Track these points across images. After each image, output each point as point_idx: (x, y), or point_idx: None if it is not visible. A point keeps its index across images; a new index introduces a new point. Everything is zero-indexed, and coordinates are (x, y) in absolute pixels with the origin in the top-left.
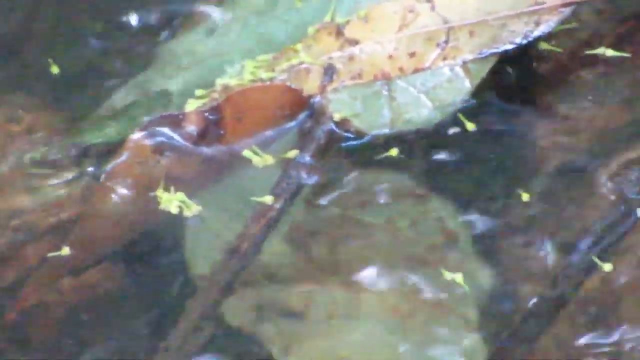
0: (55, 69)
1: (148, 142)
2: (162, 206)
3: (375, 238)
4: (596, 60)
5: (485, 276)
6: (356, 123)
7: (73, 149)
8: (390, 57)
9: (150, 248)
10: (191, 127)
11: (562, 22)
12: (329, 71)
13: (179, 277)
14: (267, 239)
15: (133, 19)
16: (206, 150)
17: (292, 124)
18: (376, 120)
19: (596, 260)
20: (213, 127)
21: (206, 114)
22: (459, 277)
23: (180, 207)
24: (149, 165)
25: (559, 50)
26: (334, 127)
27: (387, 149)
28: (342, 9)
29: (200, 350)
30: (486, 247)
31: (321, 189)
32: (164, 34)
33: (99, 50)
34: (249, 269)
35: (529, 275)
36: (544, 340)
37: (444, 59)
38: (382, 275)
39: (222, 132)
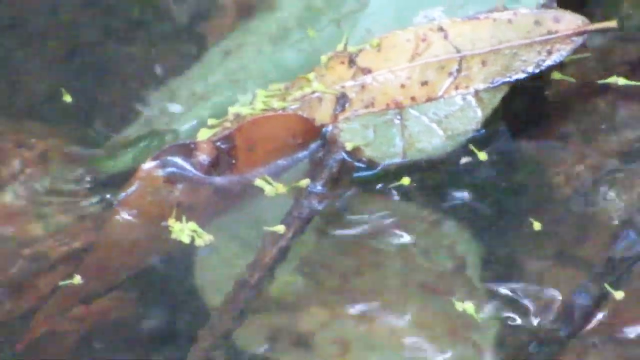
0: (67, 98)
1: (160, 171)
2: (174, 236)
3: (388, 267)
4: (608, 88)
5: (497, 304)
6: (368, 152)
7: (86, 178)
8: (403, 86)
9: (162, 276)
10: (203, 157)
11: (574, 52)
12: (342, 100)
13: (191, 305)
14: (278, 268)
15: (146, 47)
16: (218, 179)
17: (304, 153)
18: (388, 150)
19: (608, 288)
20: (225, 156)
21: (218, 143)
22: (469, 307)
23: (192, 236)
24: (160, 194)
25: (571, 79)
26: (345, 156)
27: (398, 178)
28: (354, 37)
29: None
30: (498, 275)
31: (333, 218)
32: (178, 62)
33: (113, 79)
34: (261, 298)
35: (541, 303)
36: None
37: (456, 88)
38: (394, 305)
39: (233, 161)
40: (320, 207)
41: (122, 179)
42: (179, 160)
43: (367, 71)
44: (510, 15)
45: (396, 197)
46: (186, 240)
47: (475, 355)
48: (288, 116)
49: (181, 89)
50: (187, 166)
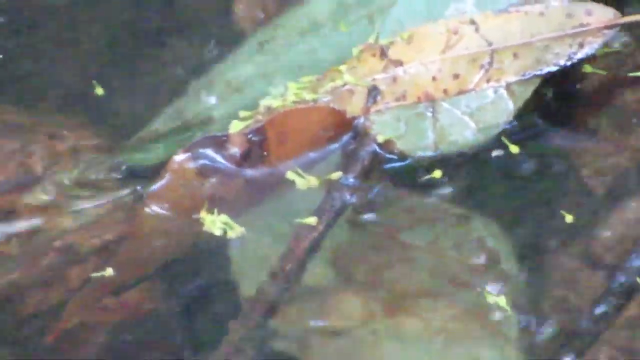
0: (99, 90)
1: (191, 163)
2: (206, 228)
3: (419, 259)
4: (639, 82)
5: (528, 298)
6: (400, 145)
7: (117, 170)
8: (434, 78)
9: (193, 269)
10: (234, 149)
11: (606, 45)
12: (373, 92)
13: (222, 297)
14: (310, 261)
15: (179, 40)
16: (249, 171)
17: (336, 145)
18: (420, 142)
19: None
20: (256, 148)
21: (249, 136)
22: (502, 301)
23: (224, 229)
24: (192, 186)
25: (602, 72)
26: (377, 148)
27: (430, 171)
28: (385, 30)
29: None
30: (529, 268)
31: (365, 210)
32: (210, 54)
33: (144, 72)
34: (293, 290)
35: (572, 296)
36: None
37: (488, 80)
38: (425, 297)
39: (265, 153)
40: (352, 200)
41: (154, 171)
42: (210, 152)
43: (398, 63)
44: (541, 8)
45: (428, 190)
46: (218, 232)
47: (505, 348)
48: (319, 108)
49: (214, 81)
50: (219, 158)
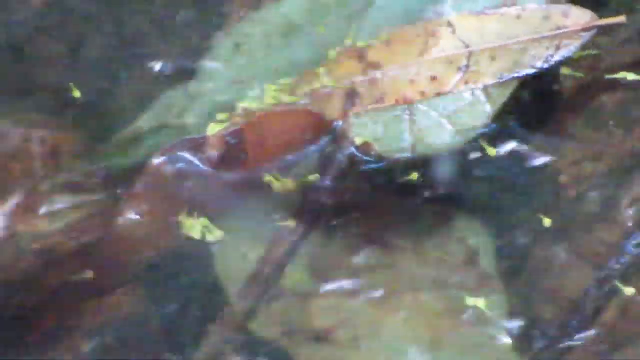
0: (77, 93)
1: (169, 166)
2: (185, 231)
3: (399, 260)
4: (617, 84)
5: (508, 298)
6: (377, 147)
7: (95, 172)
8: (412, 81)
9: (172, 271)
10: (212, 152)
11: (583, 47)
12: (351, 95)
13: (202, 299)
14: (289, 263)
15: (157, 41)
16: (227, 174)
17: (314, 148)
18: (397, 145)
19: (619, 285)
20: (234, 151)
21: (227, 138)
22: (480, 302)
23: (202, 232)
24: (170, 189)
25: (579, 74)
26: (355, 151)
27: (407, 173)
28: (362, 32)
29: None
30: (507, 269)
31: (342, 212)
32: (188, 54)
33: (123, 73)
34: (272, 292)
35: (550, 298)
36: None
37: (465, 83)
38: (405, 298)
39: (243, 156)
40: (329, 202)
41: (132, 174)
42: (188, 155)
43: (376, 66)
44: (518, 10)
45: (405, 192)
46: (197, 235)
47: (486, 349)
48: (297, 111)
49: (190, 83)
50: (197, 161)
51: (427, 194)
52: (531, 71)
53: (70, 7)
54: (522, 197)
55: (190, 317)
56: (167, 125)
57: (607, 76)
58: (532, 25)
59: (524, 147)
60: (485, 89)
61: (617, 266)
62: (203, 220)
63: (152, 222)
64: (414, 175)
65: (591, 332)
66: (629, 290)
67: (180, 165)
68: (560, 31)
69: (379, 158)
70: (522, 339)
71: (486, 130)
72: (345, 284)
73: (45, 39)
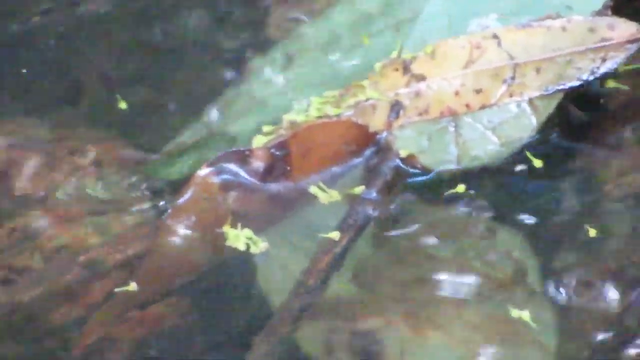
0: (123, 105)
1: (215, 178)
2: (229, 243)
3: (443, 272)
4: None
5: (554, 312)
6: (422, 159)
7: (141, 185)
8: (457, 93)
9: (217, 283)
10: (258, 163)
11: (628, 59)
12: (396, 107)
13: (246, 312)
14: (333, 275)
15: (203, 55)
16: (272, 186)
17: (359, 160)
18: (442, 157)
19: None
20: (280, 163)
21: (273, 150)
22: (525, 315)
23: (247, 243)
24: (215, 201)
25: (625, 87)
26: (400, 163)
27: (453, 186)
28: (408, 44)
29: None
30: (554, 282)
31: (387, 224)
32: (233, 69)
33: (169, 84)
34: (316, 306)
35: (595, 312)
36: None
37: (511, 95)
38: (450, 312)
39: (288, 168)
40: (374, 214)
41: (177, 185)
42: (234, 167)
43: (421, 78)
44: (564, 22)
45: (451, 204)
46: (241, 247)
47: None
48: (342, 123)
49: (238, 95)
50: (242, 173)
51: (472, 206)
52: (576, 83)
53: (116, 16)
54: (567, 209)
55: (234, 329)
56: (213, 137)
57: None
58: (578, 38)
59: (569, 159)
60: (530, 101)
61: None
62: (247, 232)
63: (198, 234)
64: (461, 188)
65: (636, 345)
66: None
67: (226, 177)
68: (606, 43)
69: (424, 170)
70: (567, 353)
71: (532, 142)
72: (390, 295)
73: (93, 50)
